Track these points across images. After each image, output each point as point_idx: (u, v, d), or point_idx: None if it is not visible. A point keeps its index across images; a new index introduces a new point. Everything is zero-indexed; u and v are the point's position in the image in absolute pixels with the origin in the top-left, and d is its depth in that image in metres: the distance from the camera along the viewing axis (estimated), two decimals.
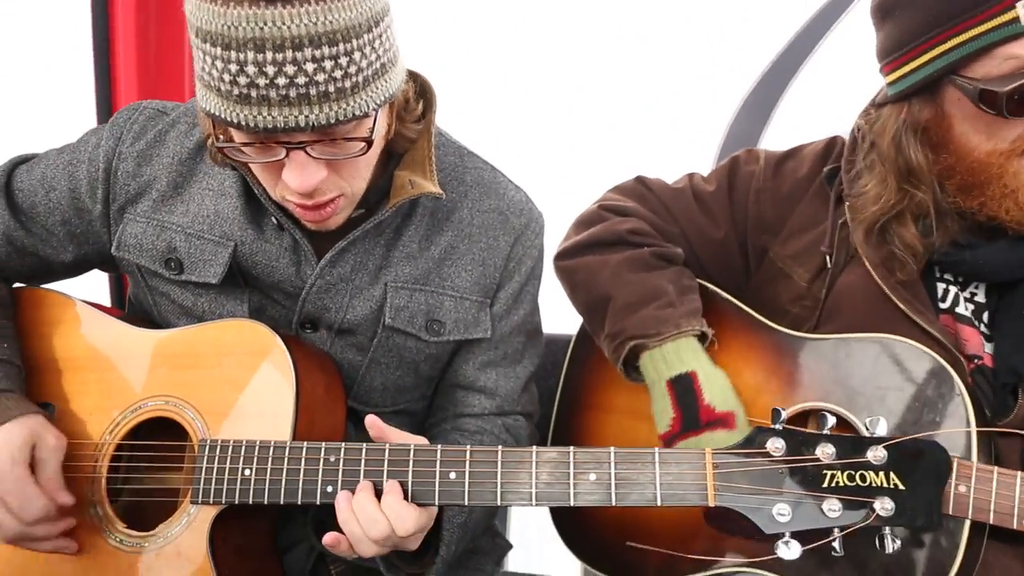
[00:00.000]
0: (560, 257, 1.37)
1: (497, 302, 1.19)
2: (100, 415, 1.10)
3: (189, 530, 1.01)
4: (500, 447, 0.92)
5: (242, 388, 1.05)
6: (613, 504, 0.87)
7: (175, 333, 1.12)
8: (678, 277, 1.27)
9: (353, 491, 0.93)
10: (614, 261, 1.29)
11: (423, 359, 1.17)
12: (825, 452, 0.83)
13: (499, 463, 0.91)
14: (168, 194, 1.12)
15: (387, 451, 0.95)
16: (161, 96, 1.20)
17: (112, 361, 1.13)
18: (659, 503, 0.86)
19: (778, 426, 0.86)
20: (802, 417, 1.15)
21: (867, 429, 0.86)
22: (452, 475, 0.92)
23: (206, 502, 1.00)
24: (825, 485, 0.82)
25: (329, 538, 0.93)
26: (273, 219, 1.08)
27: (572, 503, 0.88)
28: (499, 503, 0.90)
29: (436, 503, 0.92)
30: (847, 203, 1.18)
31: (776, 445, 0.85)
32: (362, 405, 1.18)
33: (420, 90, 1.10)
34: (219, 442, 1.01)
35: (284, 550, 1.16)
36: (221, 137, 0.94)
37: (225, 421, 1.04)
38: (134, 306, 1.24)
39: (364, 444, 0.96)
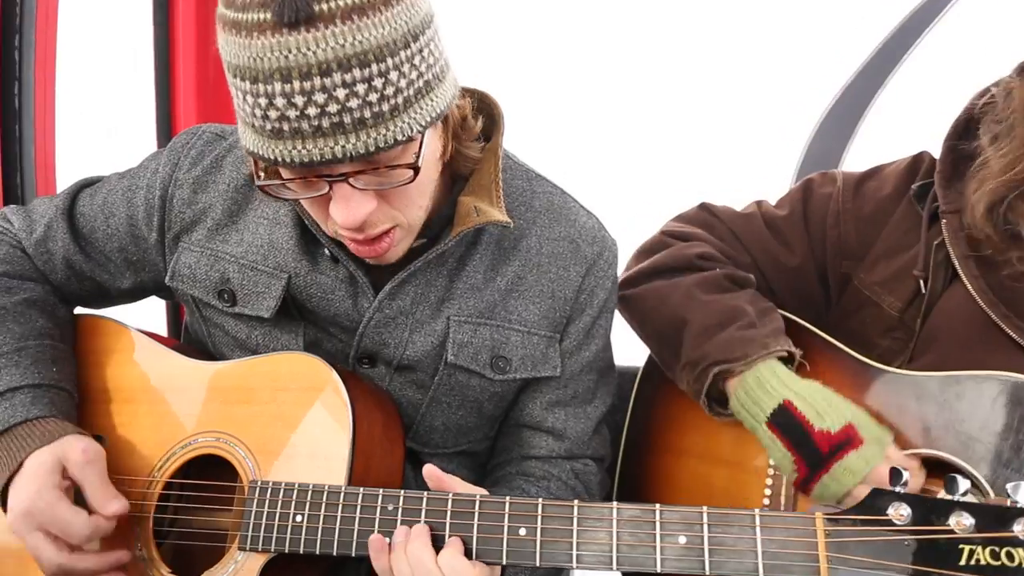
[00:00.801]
0: (624, 286, 1.27)
1: (567, 337, 1.10)
2: (150, 450, 1.05)
3: None
4: (576, 501, 0.82)
5: (295, 426, 0.98)
6: (707, 573, 0.76)
7: (228, 366, 1.06)
8: (754, 299, 1.17)
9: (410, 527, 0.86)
10: (685, 284, 1.19)
11: (487, 398, 1.09)
12: (961, 522, 0.71)
13: (575, 519, 0.82)
14: (223, 222, 1.07)
15: (450, 501, 0.86)
16: (220, 119, 1.15)
17: (163, 393, 1.08)
18: (761, 575, 0.75)
19: (899, 488, 0.75)
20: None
21: (1007, 495, 0.73)
22: (522, 531, 0.83)
23: (254, 549, 0.93)
24: (963, 563, 0.69)
25: (376, 540, 0.86)
26: (327, 251, 1.02)
27: (658, 569, 0.78)
28: (574, 565, 0.81)
29: (503, 561, 0.83)
30: (943, 220, 1.06)
31: (900, 512, 0.73)
32: (421, 446, 1.11)
33: (480, 106, 1.03)
34: (270, 484, 0.95)
35: None
36: (263, 175, 0.88)
37: (277, 461, 0.97)
38: (190, 335, 1.20)
39: (425, 493, 0.87)
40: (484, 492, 0.87)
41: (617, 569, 0.79)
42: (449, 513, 0.86)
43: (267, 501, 0.94)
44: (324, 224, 0.93)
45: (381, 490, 0.89)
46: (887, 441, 1.02)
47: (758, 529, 0.77)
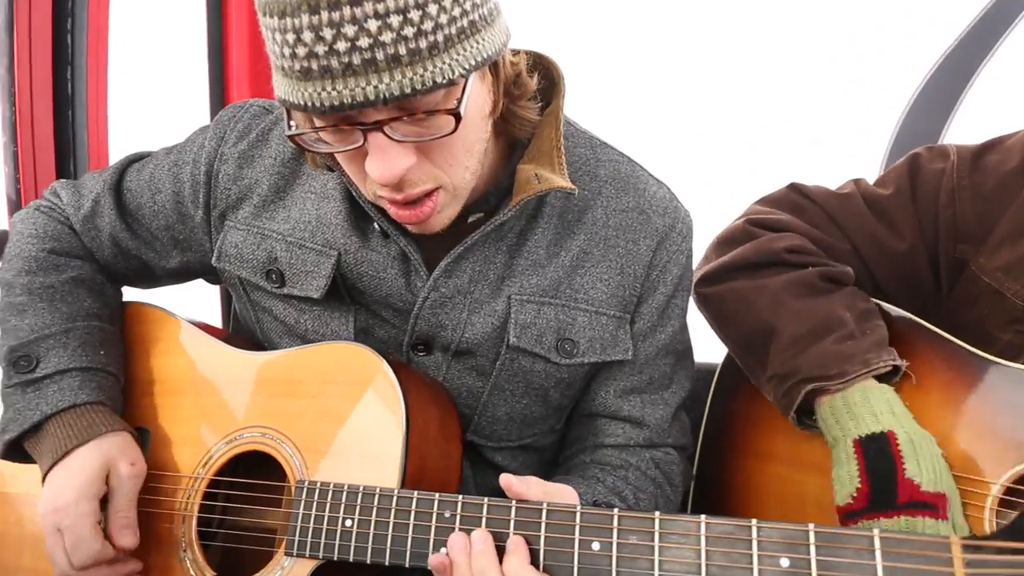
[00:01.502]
0: (703, 283, 1.15)
1: (639, 318, 1.00)
2: (194, 445, 0.99)
3: None
4: (657, 513, 0.72)
5: (344, 422, 0.91)
6: None
7: (275, 357, 0.99)
8: (853, 301, 1.04)
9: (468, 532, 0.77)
10: (773, 286, 1.06)
11: (553, 384, 0.99)
12: None
13: (656, 534, 0.71)
14: (270, 199, 1.00)
15: (514, 509, 0.77)
16: (272, 96, 1.09)
17: (209, 385, 1.02)
18: None
19: None
20: None
21: None
22: (595, 545, 0.73)
23: (302, 555, 0.86)
24: None
25: (436, 560, 0.77)
26: (376, 225, 0.94)
27: None
28: None
29: None
30: None
31: None
32: (484, 440, 1.02)
33: (536, 65, 0.93)
34: (318, 485, 0.87)
35: None
36: (295, 125, 0.80)
37: (325, 460, 0.90)
38: (240, 324, 1.14)
39: (486, 499, 0.78)
40: (571, 490, 0.78)
41: None
42: (513, 523, 0.77)
43: (315, 503, 0.86)
44: (363, 186, 0.85)
45: (437, 495, 0.81)
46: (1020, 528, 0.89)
47: (878, 553, 0.65)
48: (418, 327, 0.96)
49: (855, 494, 0.90)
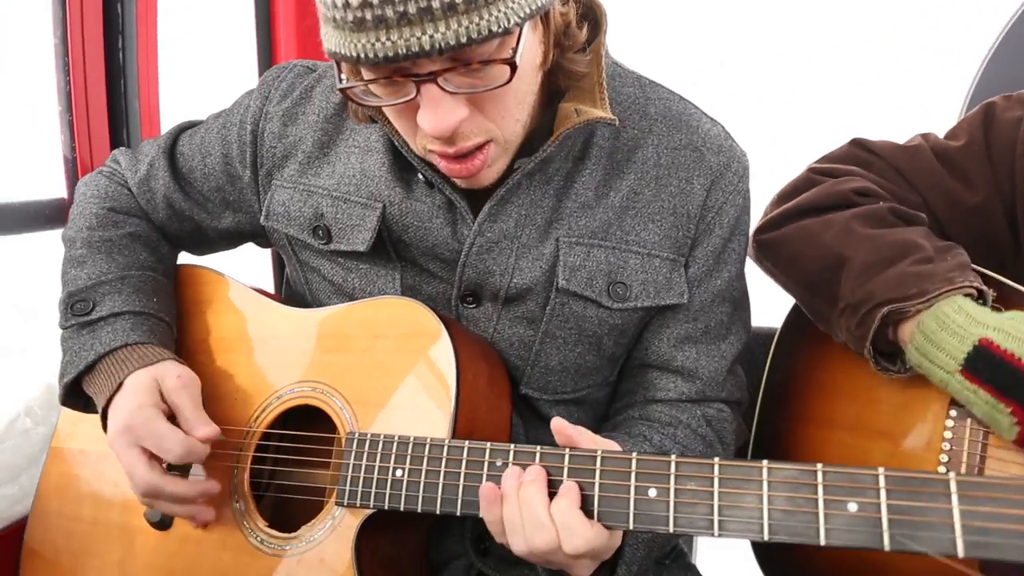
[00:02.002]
0: (762, 231, 1.11)
1: (694, 262, 0.97)
2: (247, 401, 1.00)
3: (333, 535, 0.87)
4: (717, 459, 0.70)
5: (395, 376, 0.90)
6: (886, 548, 0.62)
7: (325, 313, 0.99)
8: (929, 235, 0.98)
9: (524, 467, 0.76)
10: (841, 218, 1.01)
11: (606, 331, 0.97)
12: None
13: (716, 479, 0.69)
14: (314, 155, 1.01)
15: (567, 456, 0.76)
16: (319, 57, 1.09)
17: (260, 342, 1.03)
18: (961, 553, 0.60)
19: None
20: None
21: None
22: (652, 492, 0.71)
23: (352, 504, 0.86)
24: None
25: (489, 490, 0.76)
26: (421, 176, 0.93)
27: (822, 541, 0.64)
28: (716, 533, 0.68)
29: (630, 525, 0.72)
30: None
31: None
32: (539, 392, 1.00)
33: (584, 13, 0.91)
34: (368, 436, 0.87)
35: (437, 567, 1.00)
36: (345, 78, 0.79)
37: (375, 412, 0.90)
38: (291, 288, 1.15)
39: (538, 447, 0.77)
40: (616, 447, 0.76)
41: (770, 539, 0.66)
42: (566, 470, 0.75)
43: (365, 454, 0.86)
44: (413, 141, 0.84)
45: (489, 443, 0.80)
46: None
47: (955, 497, 0.61)
48: (466, 275, 0.94)
49: (1014, 419, 0.83)
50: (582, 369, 1.00)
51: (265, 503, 1.04)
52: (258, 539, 0.92)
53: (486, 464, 0.79)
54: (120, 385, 0.92)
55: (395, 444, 0.85)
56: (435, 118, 0.75)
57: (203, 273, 1.12)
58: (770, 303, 1.16)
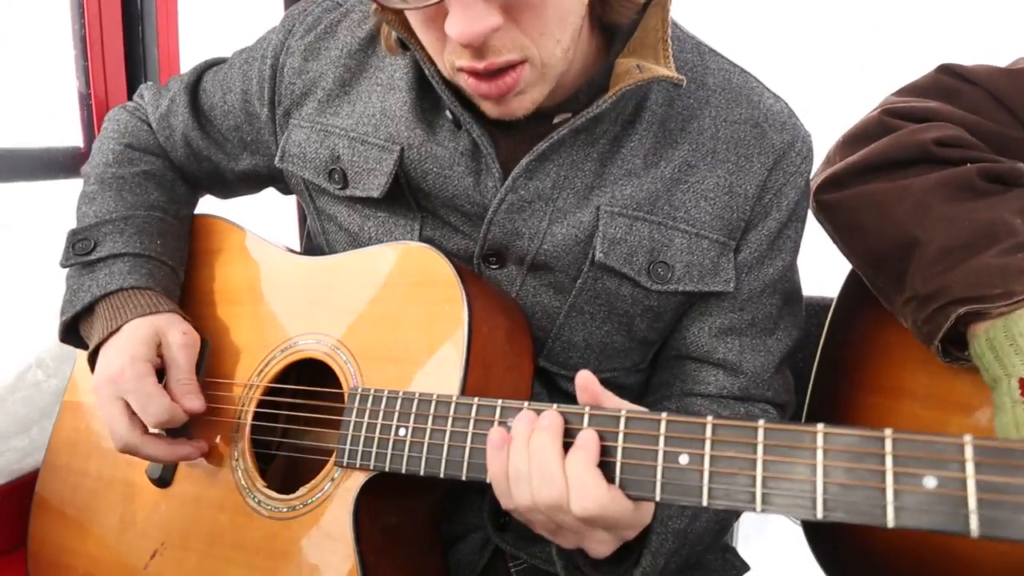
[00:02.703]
0: (825, 188, 0.98)
1: (745, 247, 0.87)
2: (252, 354, 0.93)
3: (332, 499, 0.80)
4: (762, 421, 0.59)
5: (404, 327, 0.82)
6: (973, 534, 0.50)
7: (332, 260, 0.92)
8: None
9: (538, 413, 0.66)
10: (918, 187, 0.88)
11: (640, 312, 0.87)
12: None
13: (759, 445, 0.58)
14: (334, 92, 0.93)
15: (587, 416, 0.66)
16: None
17: (267, 293, 0.96)
18: None
19: None
20: None
21: None
22: (683, 458, 0.61)
23: (352, 465, 0.78)
24: None
25: (498, 434, 0.67)
26: (448, 113, 0.84)
27: (890, 523, 0.53)
28: (758, 508, 0.57)
29: (656, 496, 0.61)
30: None
31: None
32: (558, 367, 0.91)
33: None
34: (372, 392, 0.79)
35: (452, 540, 0.92)
36: None
37: (381, 366, 0.82)
38: (311, 241, 1.08)
39: (555, 405, 0.67)
40: (635, 408, 0.66)
41: (825, 518, 0.55)
42: (585, 428, 0.65)
43: (367, 411, 0.78)
44: (440, 58, 0.75)
45: (500, 401, 0.70)
46: None
47: None
48: (491, 234, 0.85)
49: None
50: (608, 349, 0.90)
51: (276, 465, 0.97)
52: (256, 500, 0.85)
53: (495, 423, 0.70)
54: (117, 330, 0.86)
55: (399, 401, 0.76)
56: (464, 22, 0.66)
57: (216, 222, 1.06)
58: (827, 269, 1.03)
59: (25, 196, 1.15)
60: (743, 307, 0.89)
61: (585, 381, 0.66)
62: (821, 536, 1.00)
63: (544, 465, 0.63)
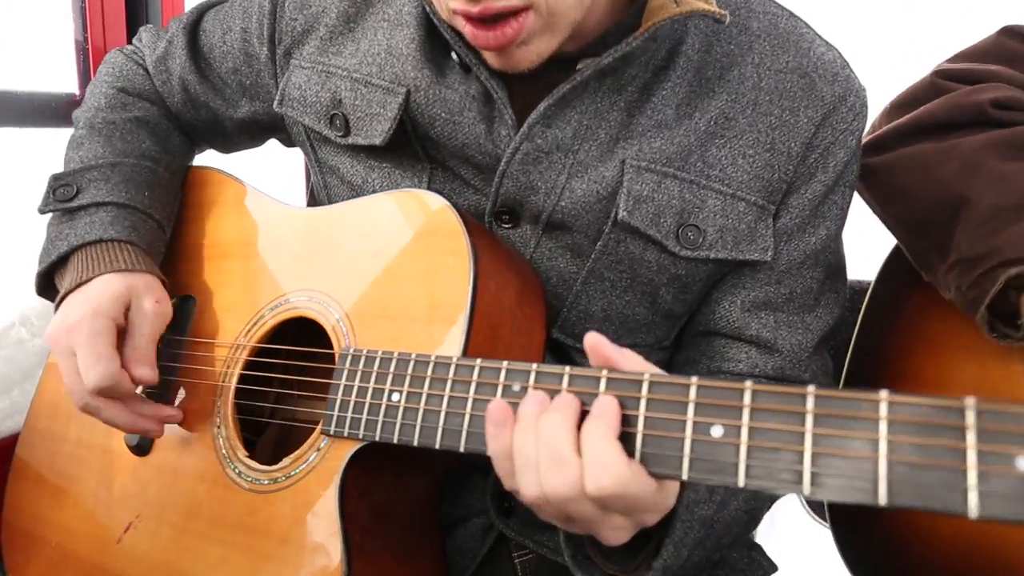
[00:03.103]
0: (865, 153, 0.89)
1: (786, 212, 0.77)
2: (239, 313, 0.85)
3: (317, 470, 0.71)
4: (812, 387, 0.49)
5: (402, 282, 0.73)
6: None
7: (329, 210, 0.84)
8: None
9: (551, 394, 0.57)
10: (967, 146, 0.80)
11: (665, 281, 0.78)
12: None
13: (809, 415, 0.49)
14: (337, 29, 0.85)
15: (604, 380, 0.56)
16: None
17: (259, 247, 0.88)
18: None
19: None
20: None
21: None
22: (716, 430, 0.51)
23: (340, 434, 0.70)
24: None
25: (498, 410, 0.57)
26: (455, 55, 0.76)
27: (973, 512, 0.43)
28: (806, 490, 0.48)
29: (684, 474, 0.52)
30: None
31: None
32: (573, 340, 0.82)
33: None
34: (364, 353, 0.70)
35: (452, 524, 0.83)
36: None
37: (376, 324, 0.73)
38: (314, 200, 1.01)
39: (567, 367, 0.58)
40: (660, 372, 0.56)
41: (889, 504, 0.45)
42: (601, 395, 0.56)
43: (359, 373, 0.70)
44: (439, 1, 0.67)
45: (505, 363, 0.62)
46: None
47: None
48: (504, 188, 0.77)
49: None
50: (628, 322, 0.81)
51: (268, 436, 0.90)
52: (236, 471, 0.77)
53: (500, 388, 0.61)
54: (87, 281, 0.79)
55: (393, 362, 0.68)
56: None
57: (210, 174, 0.99)
58: (863, 250, 0.94)
59: (13, 143, 1.08)
60: (780, 279, 0.80)
61: (594, 342, 0.57)
62: (852, 536, 0.91)
63: (554, 447, 0.53)
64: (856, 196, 0.86)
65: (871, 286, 0.99)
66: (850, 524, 0.92)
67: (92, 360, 0.74)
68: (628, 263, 0.78)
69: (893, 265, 0.98)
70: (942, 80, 0.88)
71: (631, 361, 0.58)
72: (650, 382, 0.55)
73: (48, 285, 0.85)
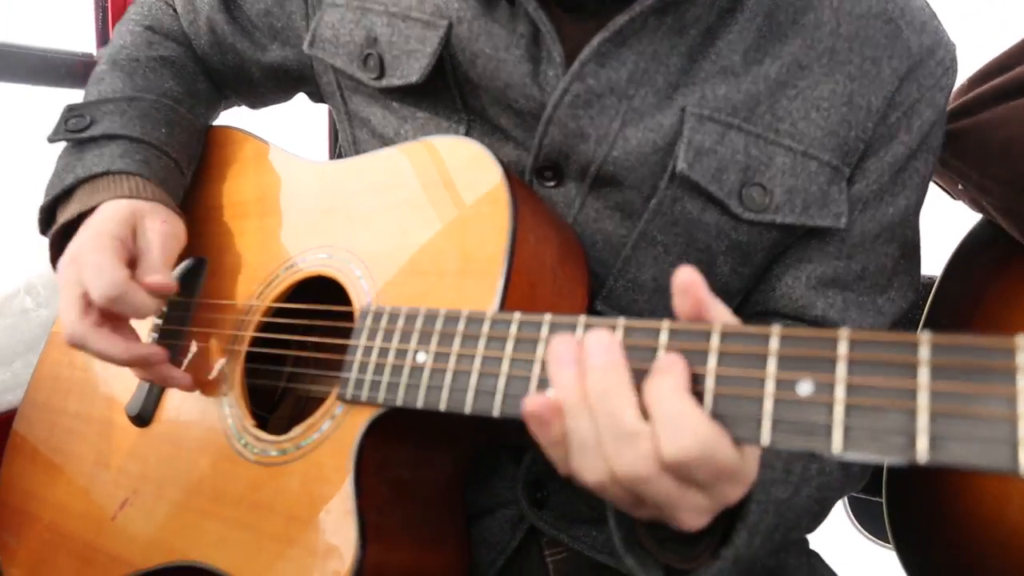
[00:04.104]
0: (953, 118, 0.82)
1: (861, 176, 0.69)
2: (253, 273, 0.78)
3: (330, 440, 0.64)
4: (926, 334, 0.41)
5: (430, 233, 0.66)
6: None
7: (352, 162, 0.77)
8: None
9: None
10: None
11: (724, 249, 0.70)
12: None
13: (924, 367, 0.40)
14: None
15: (665, 332, 0.48)
16: None
17: (277, 204, 0.81)
18: None
19: None
20: None
21: None
22: (804, 387, 0.43)
23: (357, 398, 0.62)
24: None
25: (535, 403, 0.48)
26: None
27: None
28: (924, 458, 0.39)
29: (764, 438, 0.43)
30: None
31: None
32: (617, 311, 0.74)
33: None
34: (386, 310, 0.63)
35: (478, 514, 0.75)
36: None
37: (401, 280, 0.66)
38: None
39: (621, 319, 0.50)
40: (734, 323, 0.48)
41: None
42: (663, 352, 0.48)
43: (380, 332, 0.62)
44: None
45: (548, 315, 0.54)
46: None
47: None
48: (549, 137, 0.69)
49: None
50: None
51: (282, 412, 0.83)
52: (242, 442, 0.70)
53: (541, 344, 0.53)
54: (91, 210, 0.74)
55: (419, 319, 0.60)
56: None
57: (231, 132, 0.92)
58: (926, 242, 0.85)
59: (25, 101, 1.04)
60: (852, 254, 0.71)
61: (690, 281, 0.47)
62: (903, 526, 0.81)
63: (617, 422, 0.45)
64: None
65: (937, 281, 0.91)
66: (918, 544, 0.83)
67: (96, 272, 0.67)
68: (684, 225, 0.70)
69: (962, 259, 0.90)
70: None
71: (721, 311, 0.49)
72: (722, 333, 0.46)
73: (51, 221, 0.79)
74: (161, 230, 0.73)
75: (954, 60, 0.72)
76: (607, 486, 0.47)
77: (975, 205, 0.88)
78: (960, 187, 0.86)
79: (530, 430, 0.49)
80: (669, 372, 0.44)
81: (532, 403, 0.48)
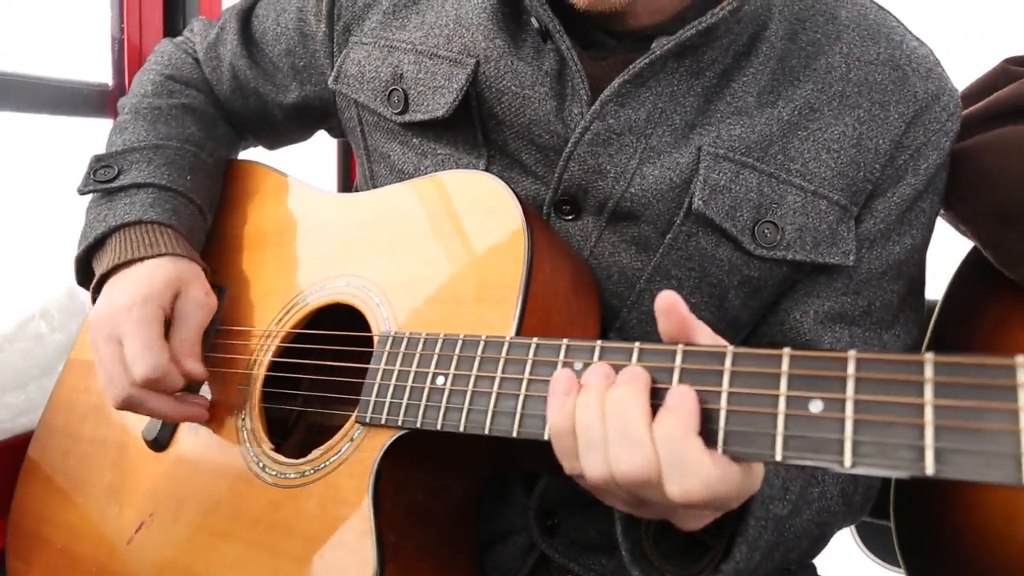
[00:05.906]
0: None
1: (869, 216, 0.72)
2: (272, 302, 0.80)
3: (349, 463, 0.65)
4: (930, 354, 0.43)
5: (448, 263, 0.68)
6: None
7: (372, 195, 0.79)
8: None
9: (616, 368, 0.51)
10: None
11: (736, 284, 0.73)
12: None
13: (929, 385, 0.42)
14: (402, 3, 0.82)
15: (680, 354, 0.50)
16: None
17: (295, 234, 0.84)
18: None
19: None
20: None
21: None
22: (816, 405, 0.45)
23: (376, 421, 0.64)
24: None
25: (564, 379, 0.52)
26: (534, 22, 0.72)
27: None
28: (931, 470, 0.41)
29: (777, 454, 0.45)
30: None
31: None
32: (629, 342, 0.76)
33: None
34: (406, 336, 0.65)
35: (490, 541, 0.76)
36: None
37: (420, 308, 0.68)
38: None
39: (636, 343, 0.52)
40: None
41: None
42: (677, 374, 0.50)
43: (400, 356, 0.64)
44: None
45: (565, 340, 0.56)
46: None
47: None
48: (569, 172, 0.71)
49: None
50: None
51: (299, 434, 0.84)
52: (260, 464, 0.71)
53: (559, 367, 0.55)
54: (131, 263, 0.76)
55: (439, 343, 0.62)
56: None
57: (251, 166, 0.95)
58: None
59: (44, 131, 1.06)
60: (859, 290, 0.74)
61: (672, 301, 0.51)
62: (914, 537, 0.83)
63: (626, 427, 0.47)
64: None
65: (938, 305, 0.93)
66: (928, 565, 0.84)
67: (142, 349, 0.70)
68: (698, 260, 0.72)
69: (964, 281, 0.92)
70: (1016, 67, 0.85)
71: (706, 335, 0.52)
72: (734, 354, 0.49)
73: (87, 271, 0.82)
74: (203, 303, 0.76)
75: (958, 105, 0.75)
76: (609, 487, 0.49)
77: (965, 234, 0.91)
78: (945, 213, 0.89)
79: (549, 404, 0.52)
80: (678, 410, 0.47)
81: (561, 374, 0.53)
